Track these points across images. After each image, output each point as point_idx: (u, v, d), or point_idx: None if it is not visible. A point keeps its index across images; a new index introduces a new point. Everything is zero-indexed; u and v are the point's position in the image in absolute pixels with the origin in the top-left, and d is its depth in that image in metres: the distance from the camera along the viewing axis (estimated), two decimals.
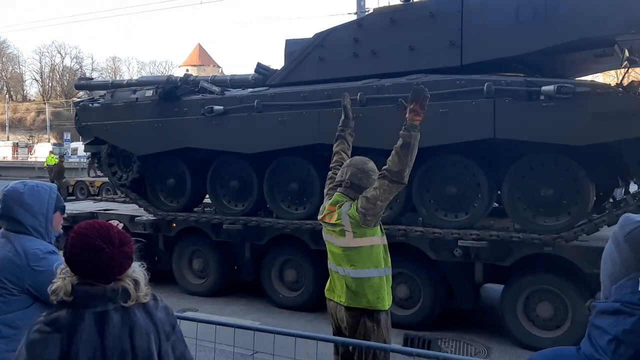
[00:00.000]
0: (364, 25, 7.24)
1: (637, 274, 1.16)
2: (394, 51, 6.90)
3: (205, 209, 8.89)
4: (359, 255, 3.69)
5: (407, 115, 3.60)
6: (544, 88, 5.75)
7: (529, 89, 5.89)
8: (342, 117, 4.43)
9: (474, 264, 6.56)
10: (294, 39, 8.30)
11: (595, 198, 6.39)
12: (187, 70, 62.49)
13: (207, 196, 8.76)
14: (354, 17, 14.88)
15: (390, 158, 3.58)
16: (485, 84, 6.00)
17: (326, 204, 3.90)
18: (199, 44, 78.18)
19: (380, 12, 7.29)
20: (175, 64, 67.36)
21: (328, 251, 3.91)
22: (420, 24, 6.75)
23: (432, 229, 6.62)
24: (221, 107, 7.67)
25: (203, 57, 76.54)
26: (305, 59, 7.59)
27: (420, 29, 6.75)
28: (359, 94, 6.56)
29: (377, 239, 3.74)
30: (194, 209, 8.76)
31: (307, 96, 7.12)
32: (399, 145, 3.57)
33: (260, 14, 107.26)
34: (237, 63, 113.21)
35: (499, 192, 6.76)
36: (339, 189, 3.88)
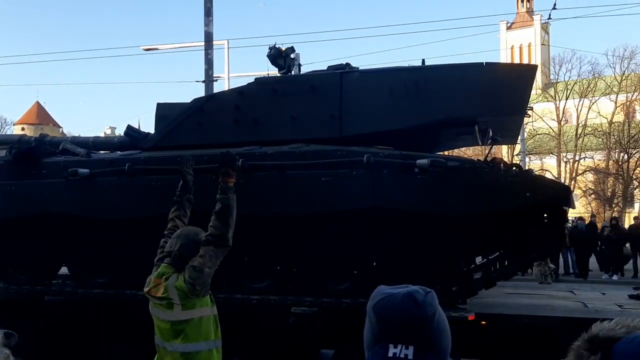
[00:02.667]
0: (245, 93, 7.25)
1: (386, 342, 1.27)
2: (275, 120, 6.96)
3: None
4: (188, 328, 3.55)
5: (219, 179, 3.75)
6: (418, 161, 6.08)
7: (405, 161, 6.20)
8: (181, 182, 4.35)
9: (308, 330, 6.55)
10: (166, 103, 8.06)
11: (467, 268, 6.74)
12: (23, 129, 57.91)
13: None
14: (202, 85, 15.04)
15: (211, 223, 3.63)
16: (365, 156, 6.21)
17: (152, 276, 3.73)
18: (37, 102, 73.31)
19: (261, 82, 7.38)
20: (10, 121, 62.36)
21: (155, 326, 3.71)
22: (302, 96, 6.92)
23: (268, 297, 6.56)
24: (87, 170, 7.11)
25: (42, 115, 71.78)
26: (183, 123, 7.37)
27: (301, 100, 6.91)
28: (240, 160, 6.45)
29: (207, 310, 3.64)
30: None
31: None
32: (218, 209, 3.65)
33: (107, 77, 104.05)
34: (80, 123, 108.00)
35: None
36: (166, 260, 3.72)
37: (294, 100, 6.95)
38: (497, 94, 6.40)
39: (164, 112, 7.78)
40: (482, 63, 6.51)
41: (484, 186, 5.96)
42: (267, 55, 7.60)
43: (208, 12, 13.39)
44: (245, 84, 7.47)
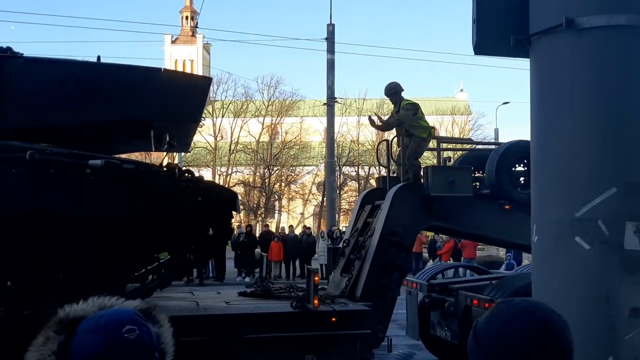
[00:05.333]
0: None
1: None
2: None
3: None
4: None
5: None
6: (91, 162, 5.77)
7: (76, 161, 5.81)
8: None
9: None
10: None
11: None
12: None
13: None
14: None
15: None
16: (28, 152, 5.57)
17: None
18: None
19: None
20: None
21: None
22: None
23: None
24: None
25: None
26: None
27: None
28: None
29: None
30: None
31: None
32: None
33: None
34: None
35: None
36: None
37: None
38: (174, 101, 6.56)
39: None
40: (161, 69, 6.61)
41: (159, 190, 6.02)
42: None
43: None
44: None
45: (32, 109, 6.06)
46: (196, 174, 6.64)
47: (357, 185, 43.54)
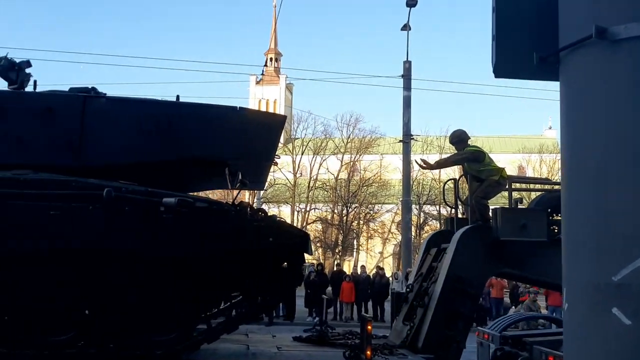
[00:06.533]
0: None
1: None
2: None
3: None
4: None
5: None
6: (165, 200, 5.77)
7: (150, 199, 5.82)
8: None
9: None
10: None
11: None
12: None
13: None
14: None
15: None
16: (105, 190, 5.65)
17: None
18: None
19: None
20: None
21: None
22: (35, 116, 6.06)
23: None
24: None
25: None
26: None
27: (34, 121, 6.05)
28: None
29: None
30: None
31: None
32: None
33: None
34: None
35: None
36: None
37: (25, 120, 6.05)
38: (248, 139, 6.52)
39: None
40: (237, 107, 6.60)
41: (231, 229, 5.91)
42: None
43: None
44: None
45: (111, 148, 6.20)
46: (274, 212, 6.52)
47: (438, 224, 42.35)
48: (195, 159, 6.43)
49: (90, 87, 6.49)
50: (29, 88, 6.66)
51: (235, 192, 6.79)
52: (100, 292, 5.75)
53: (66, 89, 6.60)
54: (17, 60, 6.59)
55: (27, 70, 6.69)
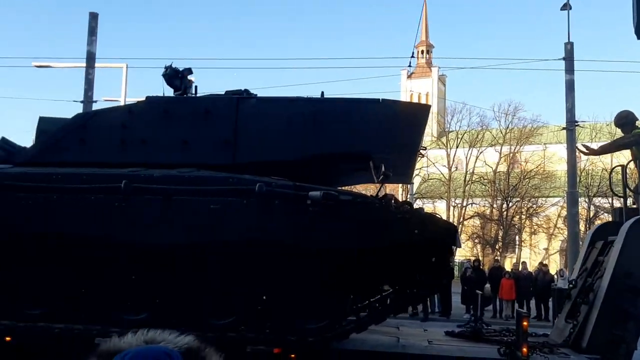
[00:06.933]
0: (135, 112, 6.85)
1: None
2: (165, 142, 6.60)
3: None
4: None
5: None
6: (311, 193, 5.96)
7: (297, 193, 6.05)
8: None
9: None
10: (49, 117, 7.50)
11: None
12: None
13: None
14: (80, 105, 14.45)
15: None
16: (257, 185, 6.00)
17: None
18: None
19: (153, 101, 6.99)
20: None
21: None
22: (195, 119, 6.63)
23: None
24: None
25: None
26: (63, 139, 6.80)
27: (195, 123, 6.61)
28: (123, 182, 6.01)
29: None
30: None
31: (61, 179, 6.28)
32: None
33: None
34: None
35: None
36: None
37: (187, 123, 6.65)
38: (392, 131, 6.48)
39: (46, 126, 7.21)
40: (379, 99, 6.60)
41: (375, 221, 5.94)
42: (163, 75, 7.26)
43: (92, 31, 12.75)
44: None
45: (263, 145, 6.55)
46: (429, 207, 6.43)
47: (610, 218, 38.54)
48: (340, 154, 6.54)
49: (243, 89, 6.93)
50: (191, 94, 7.30)
51: (380, 185, 6.78)
52: (259, 282, 6.11)
53: (223, 92, 7.12)
54: (180, 68, 7.25)
55: (189, 77, 7.35)
